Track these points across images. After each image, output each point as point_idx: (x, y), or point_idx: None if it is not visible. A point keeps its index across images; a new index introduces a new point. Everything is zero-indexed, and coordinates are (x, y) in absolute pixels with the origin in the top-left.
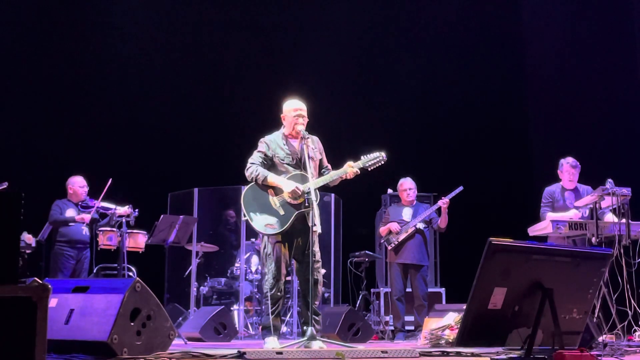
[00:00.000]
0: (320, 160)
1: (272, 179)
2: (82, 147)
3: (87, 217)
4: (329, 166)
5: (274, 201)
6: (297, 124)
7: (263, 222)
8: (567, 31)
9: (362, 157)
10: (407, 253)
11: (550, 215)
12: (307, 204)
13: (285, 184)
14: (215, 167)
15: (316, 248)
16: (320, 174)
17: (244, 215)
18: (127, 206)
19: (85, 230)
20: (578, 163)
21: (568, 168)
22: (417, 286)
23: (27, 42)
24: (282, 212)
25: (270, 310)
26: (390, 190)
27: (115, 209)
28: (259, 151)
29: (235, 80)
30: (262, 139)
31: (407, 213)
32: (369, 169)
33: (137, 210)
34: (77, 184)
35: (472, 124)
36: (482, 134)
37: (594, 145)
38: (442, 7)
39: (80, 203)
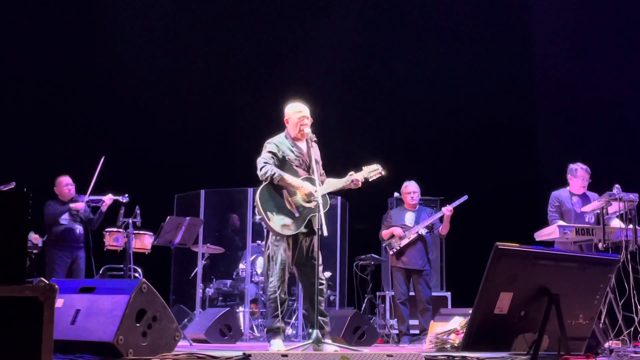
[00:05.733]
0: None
1: (290, 179)
2: (89, 147)
3: (80, 205)
4: (323, 172)
5: (290, 202)
6: (303, 125)
7: (280, 223)
8: (577, 33)
9: (363, 168)
10: (409, 258)
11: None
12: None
13: (303, 185)
14: (222, 169)
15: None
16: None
17: (259, 214)
18: (115, 194)
19: (79, 229)
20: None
21: (583, 173)
22: (420, 290)
23: (38, 46)
24: (297, 214)
25: (275, 313)
26: (396, 194)
27: (102, 199)
28: (269, 151)
29: (242, 82)
30: (269, 141)
31: (409, 217)
32: (370, 180)
33: (127, 195)
34: (61, 184)
35: (478, 127)
36: (489, 137)
37: (602, 150)
38: (448, 9)
39: (69, 202)
